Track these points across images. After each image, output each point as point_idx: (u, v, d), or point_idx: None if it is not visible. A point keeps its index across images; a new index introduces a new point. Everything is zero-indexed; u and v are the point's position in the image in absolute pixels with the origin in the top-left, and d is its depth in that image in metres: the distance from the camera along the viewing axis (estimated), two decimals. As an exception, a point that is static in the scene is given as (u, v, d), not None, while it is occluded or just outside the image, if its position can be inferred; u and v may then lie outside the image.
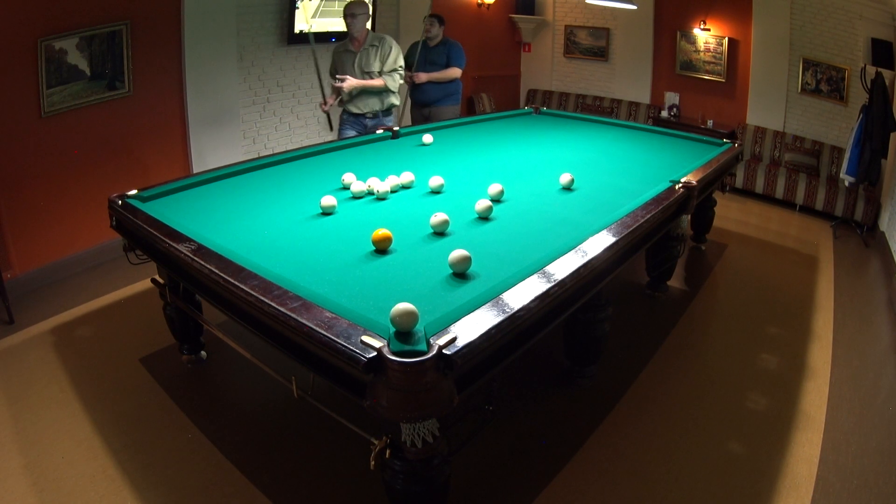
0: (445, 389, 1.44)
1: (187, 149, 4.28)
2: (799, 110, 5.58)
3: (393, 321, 1.48)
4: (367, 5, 3.94)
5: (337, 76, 3.90)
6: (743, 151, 4.58)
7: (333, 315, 1.57)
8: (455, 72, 4.68)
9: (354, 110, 4.05)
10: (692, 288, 3.77)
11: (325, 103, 4.05)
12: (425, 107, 4.79)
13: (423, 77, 4.59)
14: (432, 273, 1.93)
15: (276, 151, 4.09)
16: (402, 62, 4.02)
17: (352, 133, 4.03)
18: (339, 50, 3.99)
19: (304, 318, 1.55)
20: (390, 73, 3.97)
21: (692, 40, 6.10)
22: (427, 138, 3.71)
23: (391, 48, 3.94)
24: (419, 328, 1.50)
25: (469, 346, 1.45)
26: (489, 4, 6.37)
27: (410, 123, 4.79)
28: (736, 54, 5.89)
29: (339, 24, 5.00)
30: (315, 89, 5.10)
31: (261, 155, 4.42)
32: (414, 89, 4.72)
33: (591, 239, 2.14)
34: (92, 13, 3.47)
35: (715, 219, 4.31)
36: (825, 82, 5.30)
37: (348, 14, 3.83)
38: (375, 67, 3.91)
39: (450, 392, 1.46)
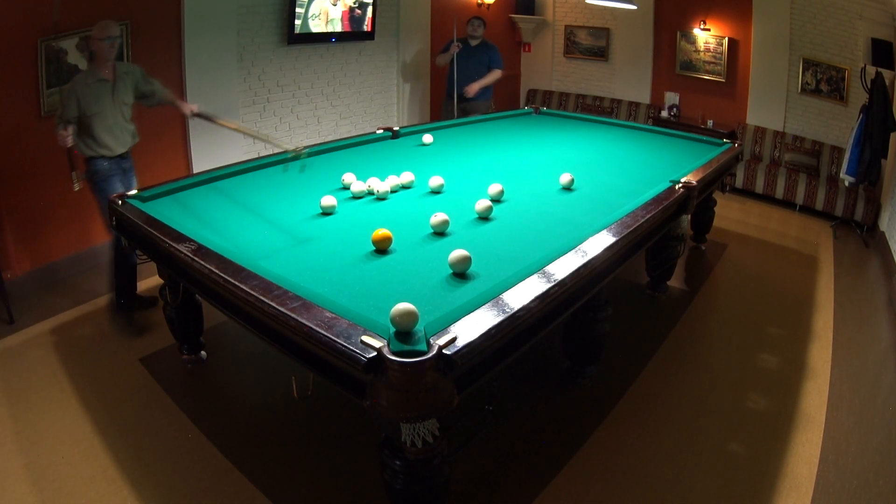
0: (445, 389, 1.45)
1: (187, 149, 4.28)
2: (799, 110, 5.58)
3: (393, 321, 1.48)
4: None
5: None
6: (743, 151, 4.58)
7: (333, 315, 1.57)
8: (498, 74, 5.24)
9: (118, 150, 3.10)
10: (692, 288, 3.77)
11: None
12: (464, 101, 5.18)
13: (475, 88, 5.07)
14: (432, 273, 1.94)
15: (275, 151, 4.08)
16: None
17: (118, 185, 3.07)
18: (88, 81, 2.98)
19: (304, 318, 1.56)
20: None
21: (692, 40, 6.10)
22: (427, 138, 3.71)
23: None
24: (419, 328, 1.51)
25: (469, 346, 1.45)
26: (489, 4, 6.37)
27: (455, 116, 5.07)
28: (736, 54, 5.88)
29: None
30: (315, 89, 5.13)
31: (261, 155, 4.42)
32: (454, 84, 5.12)
33: (591, 239, 2.14)
34: (92, 13, 3.46)
35: (715, 219, 4.31)
36: (825, 82, 5.30)
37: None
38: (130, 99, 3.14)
39: (450, 392, 1.46)
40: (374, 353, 1.39)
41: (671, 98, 6.37)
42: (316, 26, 4.78)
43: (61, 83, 3.42)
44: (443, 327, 1.51)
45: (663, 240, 3.11)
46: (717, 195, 4.18)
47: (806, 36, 5.33)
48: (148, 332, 3.05)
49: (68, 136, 2.81)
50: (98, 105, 2.96)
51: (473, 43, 5.21)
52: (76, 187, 2.93)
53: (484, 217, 2.45)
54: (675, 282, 3.69)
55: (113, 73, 3.04)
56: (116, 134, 3.08)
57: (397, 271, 1.97)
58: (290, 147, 2.87)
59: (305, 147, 2.87)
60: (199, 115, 3.30)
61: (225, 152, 4.43)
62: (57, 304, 3.33)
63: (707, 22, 5.92)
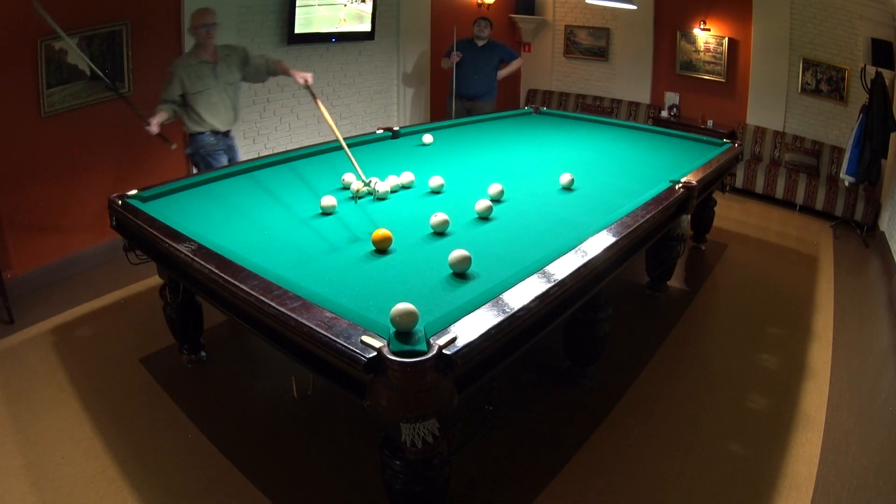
0: (445, 389, 1.45)
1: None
2: (799, 110, 5.57)
3: (393, 321, 1.48)
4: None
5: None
6: (743, 151, 4.58)
7: (333, 315, 1.57)
8: (520, 61, 5.62)
9: (221, 127, 3.45)
10: (692, 288, 3.77)
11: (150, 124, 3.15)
12: (469, 100, 5.26)
13: (503, 75, 5.39)
14: (432, 273, 1.94)
15: (276, 151, 4.09)
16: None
17: (224, 159, 3.49)
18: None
19: (304, 318, 1.56)
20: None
21: (692, 40, 6.10)
22: (427, 138, 3.71)
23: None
24: (419, 328, 1.50)
25: (469, 346, 1.45)
26: (489, 4, 6.37)
27: (453, 116, 5.13)
28: (736, 54, 5.88)
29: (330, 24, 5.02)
30: (315, 89, 5.09)
31: (261, 155, 4.42)
32: (460, 82, 5.20)
33: (591, 239, 2.14)
34: (92, 13, 3.47)
35: (715, 219, 4.31)
36: (825, 82, 5.30)
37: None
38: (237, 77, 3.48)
39: (450, 392, 1.46)
40: (374, 353, 1.39)
41: (671, 98, 6.37)
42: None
43: (61, 83, 3.43)
44: (443, 327, 1.51)
45: (663, 240, 3.11)
46: (717, 195, 4.18)
47: (806, 36, 5.33)
48: (148, 332, 3.05)
49: (152, 127, 3.11)
50: (201, 84, 3.28)
51: (480, 43, 5.26)
52: (173, 147, 3.28)
53: (484, 217, 2.45)
54: (675, 282, 3.69)
55: (215, 55, 3.34)
56: (220, 111, 3.39)
57: (397, 271, 1.97)
58: (365, 179, 2.73)
59: (373, 183, 2.72)
60: (308, 88, 3.34)
61: (225, 152, 4.43)
62: (57, 304, 3.33)
63: (707, 22, 5.92)
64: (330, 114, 3.29)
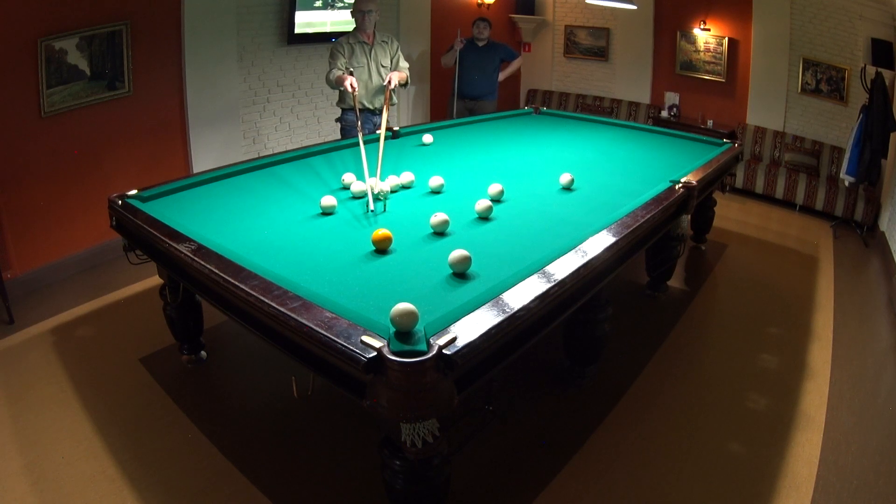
0: (445, 389, 1.44)
1: (187, 149, 4.28)
2: (799, 110, 5.57)
3: (393, 321, 1.48)
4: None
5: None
6: (743, 151, 4.57)
7: (333, 315, 1.57)
8: (520, 59, 5.69)
9: (368, 104, 3.90)
10: (692, 288, 3.77)
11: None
12: (471, 100, 5.31)
13: (502, 77, 5.43)
14: (432, 273, 1.94)
15: (276, 151, 4.09)
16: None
17: (366, 130, 3.81)
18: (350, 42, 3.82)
19: (304, 318, 1.56)
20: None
21: (692, 40, 6.10)
22: (427, 138, 3.71)
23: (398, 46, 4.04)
24: (419, 328, 1.50)
25: (469, 346, 1.45)
26: (489, 4, 6.37)
27: (455, 116, 5.17)
28: (736, 54, 5.88)
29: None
30: (315, 89, 5.12)
31: (261, 155, 4.42)
32: (462, 83, 5.27)
33: (591, 239, 2.14)
34: (92, 13, 3.47)
35: (715, 219, 4.31)
36: (825, 82, 5.30)
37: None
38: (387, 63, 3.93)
39: (450, 392, 1.46)
40: (374, 353, 1.39)
41: (671, 98, 6.37)
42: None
43: (61, 83, 3.44)
44: (443, 327, 1.51)
45: (663, 240, 3.11)
46: (717, 195, 4.18)
47: (806, 36, 5.33)
48: (148, 332, 3.05)
49: (354, 83, 3.39)
50: (357, 62, 3.73)
51: (480, 44, 5.31)
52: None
53: (484, 217, 2.45)
54: (675, 282, 3.69)
55: (372, 39, 3.82)
56: (368, 89, 3.81)
57: (397, 271, 1.97)
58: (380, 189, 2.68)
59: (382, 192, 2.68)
60: (386, 87, 3.57)
61: (225, 152, 4.44)
62: (57, 304, 3.33)
63: (707, 22, 5.92)
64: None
